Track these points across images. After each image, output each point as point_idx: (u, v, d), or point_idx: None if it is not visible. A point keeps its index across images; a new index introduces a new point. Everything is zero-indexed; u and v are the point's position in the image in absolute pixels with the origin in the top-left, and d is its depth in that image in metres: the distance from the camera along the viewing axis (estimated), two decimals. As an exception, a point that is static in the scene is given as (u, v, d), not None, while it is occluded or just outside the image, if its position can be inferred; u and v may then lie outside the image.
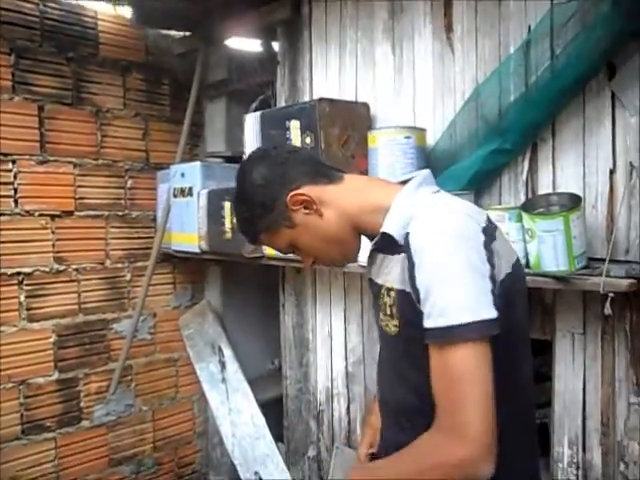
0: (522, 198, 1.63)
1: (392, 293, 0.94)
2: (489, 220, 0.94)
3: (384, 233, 0.96)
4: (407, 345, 0.94)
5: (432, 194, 0.98)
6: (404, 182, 1.02)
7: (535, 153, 1.62)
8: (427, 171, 1.03)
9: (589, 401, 1.54)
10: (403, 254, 0.91)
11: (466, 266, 0.82)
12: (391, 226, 0.95)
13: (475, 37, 1.75)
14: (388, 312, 0.96)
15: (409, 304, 0.89)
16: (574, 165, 1.55)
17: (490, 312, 0.80)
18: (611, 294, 1.28)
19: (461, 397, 0.79)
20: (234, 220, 2.17)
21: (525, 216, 1.43)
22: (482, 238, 0.87)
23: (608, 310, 1.30)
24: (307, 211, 1.01)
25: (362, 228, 1.03)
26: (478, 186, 1.68)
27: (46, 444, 2.48)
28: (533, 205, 1.47)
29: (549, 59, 1.53)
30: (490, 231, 0.90)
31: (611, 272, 1.34)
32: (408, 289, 0.89)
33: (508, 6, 1.66)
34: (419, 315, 0.86)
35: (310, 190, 1.00)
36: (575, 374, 1.56)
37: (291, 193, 1.00)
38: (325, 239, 1.02)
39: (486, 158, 1.62)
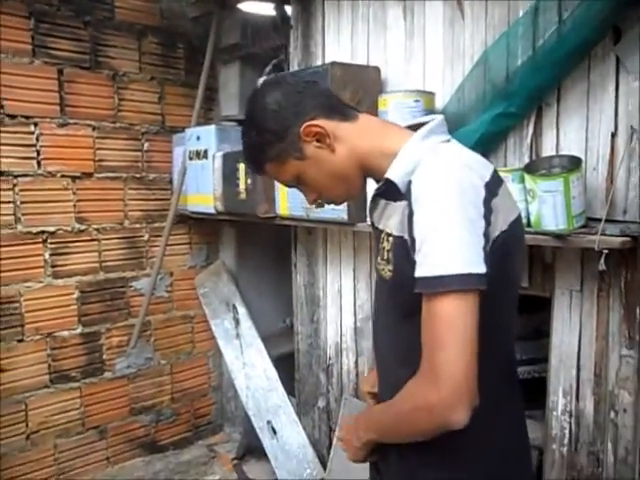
0: (526, 160, 1.68)
1: (390, 239, 0.95)
2: (495, 175, 0.93)
3: (387, 179, 0.96)
4: (398, 290, 0.94)
5: (441, 143, 0.96)
6: (418, 126, 1.00)
7: (540, 117, 1.67)
8: (440, 117, 1.00)
9: (583, 354, 1.63)
10: (404, 202, 0.91)
11: (462, 220, 0.82)
12: (395, 173, 0.95)
13: (485, 2, 1.78)
14: (385, 257, 0.96)
15: (404, 251, 0.90)
16: (577, 129, 1.60)
17: (480, 267, 0.81)
18: (605, 251, 1.36)
19: (440, 341, 0.81)
20: (248, 182, 2.25)
21: (527, 177, 1.49)
22: (482, 193, 0.86)
23: (602, 266, 1.37)
24: (319, 144, 0.99)
25: (369, 170, 1.02)
26: (484, 149, 1.72)
27: (72, 393, 2.64)
28: (535, 167, 1.53)
29: (556, 24, 1.56)
30: (493, 187, 0.89)
31: (607, 231, 1.41)
32: (405, 236, 0.90)
33: (518, -29, 1.69)
34: (412, 263, 0.86)
35: (325, 124, 0.98)
36: (571, 329, 1.65)
37: (306, 124, 0.98)
38: (333, 175, 1.01)
39: (492, 121, 1.67)
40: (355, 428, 1.05)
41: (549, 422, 1.72)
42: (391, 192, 0.97)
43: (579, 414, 1.65)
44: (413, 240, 0.87)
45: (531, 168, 1.52)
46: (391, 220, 0.96)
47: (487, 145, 1.74)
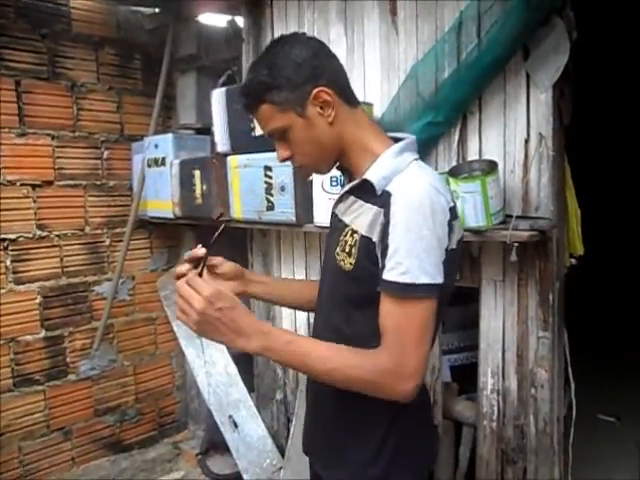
0: (454, 164, 1.86)
1: (356, 236, 1.03)
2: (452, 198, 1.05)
3: (366, 180, 1.03)
4: (355, 283, 1.05)
5: (414, 160, 1.06)
6: (394, 139, 1.10)
7: (465, 125, 1.85)
8: (413, 137, 1.11)
9: (507, 337, 1.82)
10: (378, 208, 1.00)
11: (433, 238, 0.95)
12: (374, 176, 1.02)
13: (416, 20, 1.95)
14: (347, 250, 1.05)
15: (368, 251, 1.00)
16: (496, 135, 1.79)
17: (441, 278, 0.96)
18: (516, 244, 1.54)
19: (410, 343, 0.95)
20: (203, 187, 2.38)
21: (451, 180, 1.66)
22: (448, 216, 0.98)
23: (514, 257, 1.55)
24: (321, 111, 1.03)
25: (345, 158, 1.09)
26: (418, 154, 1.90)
27: (36, 396, 2.70)
28: (458, 170, 1.71)
29: (475, 41, 1.74)
30: (454, 210, 1.01)
31: (519, 226, 1.59)
32: (374, 239, 0.99)
33: (443, -7, 1.87)
34: (373, 263, 0.99)
35: (334, 97, 1.03)
36: (497, 315, 1.83)
37: (320, 87, 1.02)
38: (317, 144, 1.06)
39: (423, 129, 1.85)
40: (237, 313, 0.98)
41: (481, 401, 1.90)
42: (365, 192, 1.04)
43: (505, 392, 1.84)
44: (385, 246, 0.97)
45: (454, 171, 1.70)
46: (359, 219, 1.04)
47: (420, 150, 1.89)
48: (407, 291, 0.95)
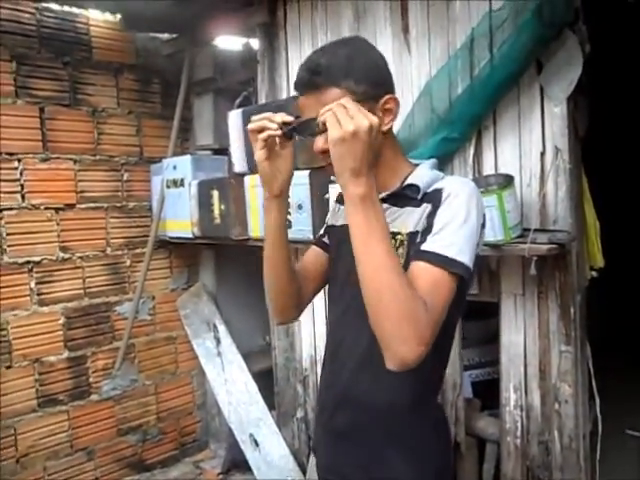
0: (470, 179, 1.87)
1: (399, 237, 1.03)
2: None
3: (411, 184, 1.04)
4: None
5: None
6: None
7: (480, 140, 1.86)
8: (435, 160, 1.15)
9: (529, 352, 1.80)
10: (426, 204, 1.01)
11: (474, 228, 0.98)
12: (417, 181, 1.04)
13: (428, 37, 1.98)
14: None
15: (413, 243, 1.01)
16: (512, 149, 1.79)
17: (472, 264, 0.97)
18: (534, 258, 1.53)
19: (436, 312, 0.91)
20: (222, 207, 2.41)
21: (467, 195, 1.66)
22: (482, 220, 1.02)
23: (533, 271, 1.55)
24: (382, 118, 1.01)
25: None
26: (434, 170, 1.91)
27: (60, 416, 2.74)
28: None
29: (488, 57, 1.76)
30: (485, 219, 1.06)
31: (537, 239, 1.59)
32: (419, 228, 1.00)
33: (455, 10, 1.89)
34: (416, 248, 0.98)
35: (395, 110, 1.05)
36: (517, 329, 1.82)
37: (391, 95, 1.03)
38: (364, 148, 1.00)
39: (438, 145, 1.86)
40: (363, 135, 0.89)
41: (503, 417, 1.88)
42: (400, 199, 1.06)
43: (528, 407, 1.81)
44: (430, 225, 0.98)
45: (471, 186, 1.70)
46: (398, 221, 1.05)
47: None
48: (446, 263, 0.94)
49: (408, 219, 1.04)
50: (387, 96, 1.02)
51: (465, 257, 0.95)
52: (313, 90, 1.00)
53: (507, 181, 1.65)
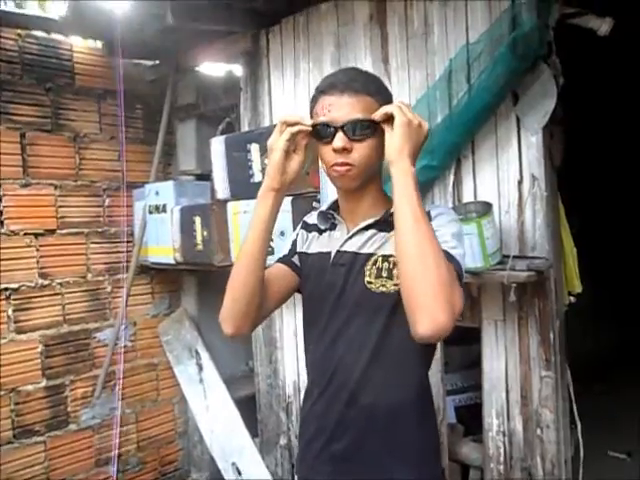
0: (450, 206, 1.90)
1: (392, 259, 1.10)
2: None
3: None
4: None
5: None
6: None
7: (459, 168, 1.90)
8: None
9: (510, 377, 1.81)
10: None
11: (463, 237, 1.15)
12: None
13: (407, 68, 2.03)
14: (384, 274, 1.11)
15: None
16: (490, 177, 1.83)
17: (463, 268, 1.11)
18: (514, 284, 1.55)
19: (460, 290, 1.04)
20: (204, 233, 2.41)
21: (447, 222, 1.69)
22: None
23: (513, 298, 1.57)
24: (384, 143, 1.09)
25: (364, 189, 1.16)
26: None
27: (36, 447, 2.66)
28: (454, 212, 1.73)
29: (466, 87, 1.81)
30: None
31: (516, 266, 1.61)
32: None
33: (433, 42, 1.94)
34: None
35: None
36: (498, 355, 1.83)
37: None
38: (375, 158, 1.12)
39: (418, 173, 1.85)
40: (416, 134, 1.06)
41: (486, 443, 1.88)
42: (388, 225, 1.12)
43: (511, 433, 1.82)
44: None
45: (450, 214, 1.73)
46: (386, 245, 1.13)
47: (416, 193, 1.94)
48: (450, 259, 1.03)
49: (392, 242, 1.09)
50: None
51: (459, 256, 1.07)
52: (350, 93, 1.09)
53: (486, 209, 1.69)
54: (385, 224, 1.14)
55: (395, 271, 1.09)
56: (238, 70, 2.78)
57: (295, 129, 1.11)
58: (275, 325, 2.56)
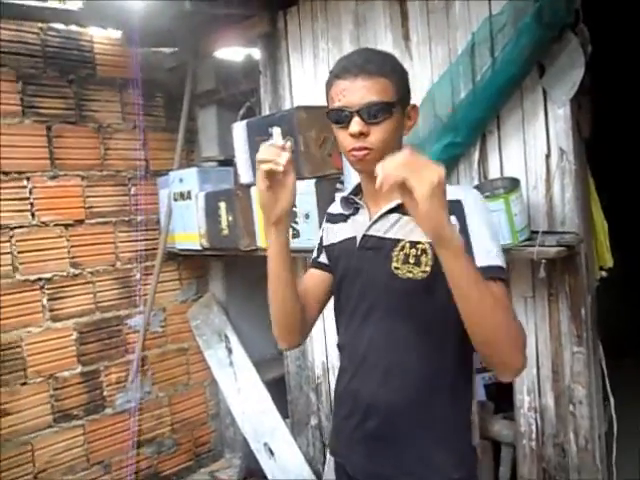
0: (476, 183, 1.87)
1: (421, 245, 1.09)
2: None
3: None
4: (431, 288, 1.09)
5: None
6: None
7: (484, 144, 1.87)
8: None
9: (541, 354, 1.80)
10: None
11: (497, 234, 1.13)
12: None
13: (429, 44, 1.99)
14: (412, 261, 1.10)
15: None
16: (517, 152, 1.79)
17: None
18: (543, 260, 1.53)
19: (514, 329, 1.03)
20: (229, 218, 2.42)
21: (474, 199, 1.67)
22: None
23: (542, 274, 1.55)
24: (404, 122, 1.13)
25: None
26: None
27: (75, 430, 2.75)
28: (481, 190, 1.70)
29: (489, 61, 1.77)
30: None
31: (546, 242, 1.59)
32: None
33: (454, 16, 1.90)
34: None
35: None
36: (529, 332, 1.81)
37: (415, 104, 1.16)
38: (393, 140, 1.10)
39: (442, 151, 1.87)
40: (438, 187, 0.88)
41: (518, 419, 1.88)
42: None
43: (542, 409, 1.81)
44: (467, 241, 1.04)
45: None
46: (416, 230, 1.08)
47: (441, 171, 1.92)
48: (496, 272, 1.04)
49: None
50: (412, 103, 1.15)
51: (504, 261, 1.06)
52: (365, 75, 1.06)
53: (513, 185, 1.66)
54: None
55: (423, 258, 1.09)
56: (257, 54, 2.76)
57: (267, 167, 1.05)
58: (302, 308, 2.57)
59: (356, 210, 1.24)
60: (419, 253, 1.10)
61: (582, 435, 1.72)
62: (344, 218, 1.26)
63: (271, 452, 2.72)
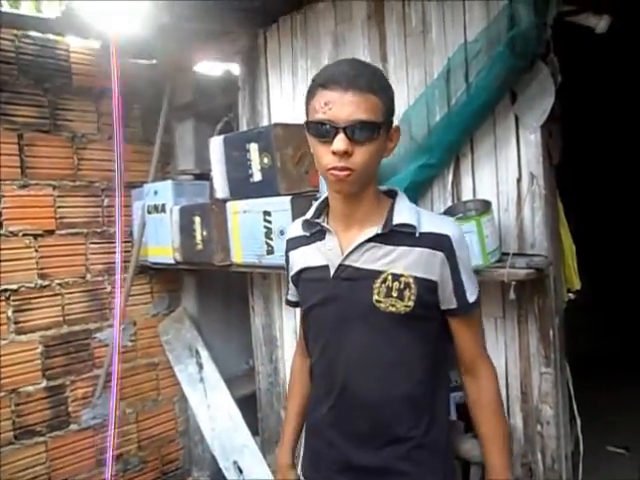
0: (449, 204, 1.91)
1: (404, 279, 1.08)
2: None
3: (405, 224, 1.10)
4: (413, 322, 1.10)
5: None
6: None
7: (458, 166, 1.90)
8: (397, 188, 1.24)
9: (510, 374, 1.82)
10: (430, 250, 1.09)
11: None
12: (409, 219, 1.11)
13: (406, 67, 2.03)
14: (395, 294, 1.08)
15: (430, 290, 1.11)
16: (489, 175, 1.83)
17: None
18: (513, 282, 1.56)
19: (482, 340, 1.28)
20: (204, 233, 2.41)
21: (447, 221, 1.70)
22: None
23: (512, 296, 1.58)
24: (384, 146, 1.09)
25: (361, 194, 1.12)
26: (413, 195, 1.95)
27: (38, 447, 2.67)
28: (454, 211, 1.75)
29: (464, 86, 1.81)
30: None
31: (516, 264, 1.62)
32: (435, 279, 1.10)
33: (431, 41, 1.95)
34: (434, 300, 1.12)
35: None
36: (498, 352, 1.84)
37: (397, 125, 1.13)
38: (375, 162, 1.07)
39: (417, 171, 1.89)
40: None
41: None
42: (391, 237, 1.11)
43: (511, 429, 1.83)
44: (458, 282, 1.14)
45: (450, 212, 1.74)
46: (400, 262, 1.09)
47: (415, 192, 1.95)
48: (477, 306, 1.21)
49: (407, 261, 1.10)
50: (395, 125, 1.12)
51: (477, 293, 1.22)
52: (355, 90, 1.00)
53: (485, 207, 1.69)
54: (389, 236, 1.10)
55: (406, 292, 1.08)
56: (236, 69, 2.78)
57: None
58: (275, 324, 2.56)
59: (321, 234, 1.18)
60: (402, 287, 1.08)
61: (549, 455, 1.75)
62: (307, 241, 1.21)
63: (240, 470, 2.68)
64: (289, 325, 2.50)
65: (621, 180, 4.33)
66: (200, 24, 2.46)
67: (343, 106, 1.00)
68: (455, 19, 1.85)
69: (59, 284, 2.76)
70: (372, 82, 1.03)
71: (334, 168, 1.03)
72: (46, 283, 2.72)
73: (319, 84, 1.05)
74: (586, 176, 3.90)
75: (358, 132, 1.01)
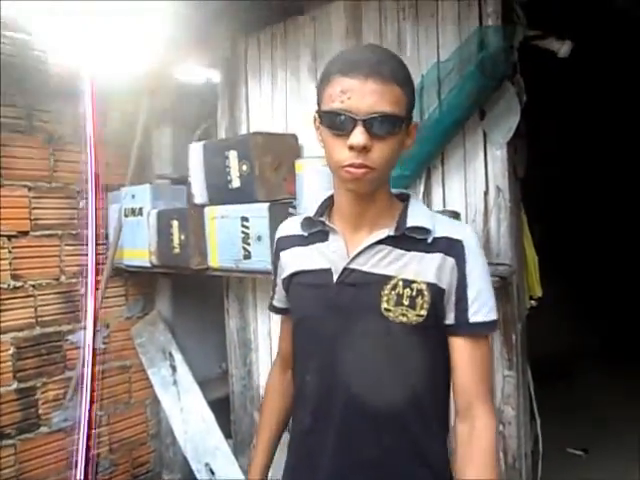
0: (421, 214, 1.99)
1: (416, 285, 0.97)
2: None
3: (418, 227, 0.99)
4: (424, 333, 0.99)
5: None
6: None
7: (429, 178, 2.00)
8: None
9: (476, 377, 1.91)
10: (443, 255, 0.99)
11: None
12: (424, 223, 1.00)
13: (381, 81, 2.12)
14: (406, 302, 0.97)
15: (440, 298, 0.98)
16: (458, 187, 1.93)
17: None
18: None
19: (488, 375, 1.05)
20: (181, 237, 2.45)
21: (418, 230, 1.79)
22: None
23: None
24: (403, 139, 0.99)
25: (374, 196, 1.03)
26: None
27: (7, 450, 2.64)
28: (425, 221, 1.83)
29: (436, 103, 1.91)
30: None
31: (482, 272, 1.71)
32: (444, 286, 0.98)
33: (406, 58, 2.03)
34: (442, 310, 0.99)
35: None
36: (465, 356, 1.93)
37: (416, 123, 1.03)
38: (394, 159, 0.98)
39: (391, 182, 1.97)
40: None
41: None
42: (404, 240, 1.00)
43: (476, 430, 1.92)
44: (463, 293, 1.00)
45: (421, 222, 1.82)
46: (411, 267, 0.99)
47: (388, 202, 2.04)
48: (492, 328, 1.02)
49: (419, 266, 0.99)
50: (414, 121, 1.02)
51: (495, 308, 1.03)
52: (377, 78, 0.89)
53: (454, 217, 1.78)
54: (401, 240, 1.00)
55: (419, 299, 0.97)
56: (216, 76, 2.82)
57: None
58: (250, 327, 2.61)
59: (324, 235, 1.06)
60: (414, 294, 0.97)
61: (510, 454, 1.84)
62: (304, 242, 1.09)
63: (212, 472, 2.71)
64: (263, 328, 2.55)
65: (583, 191, 4.54)
66: (181, 31, 2.50)
67: (364, 96, 0.89)
68: (429, 39, 1.95)
69: (32, 285, 2.75)
70: (397, 71, 0.92)
71: (351, 165, 0.92)
72: (19, 284, 2.70)
73: (338, 70, 0.92)
74: (549, 190, 4.07)
75: (379, 126, 0.90)
